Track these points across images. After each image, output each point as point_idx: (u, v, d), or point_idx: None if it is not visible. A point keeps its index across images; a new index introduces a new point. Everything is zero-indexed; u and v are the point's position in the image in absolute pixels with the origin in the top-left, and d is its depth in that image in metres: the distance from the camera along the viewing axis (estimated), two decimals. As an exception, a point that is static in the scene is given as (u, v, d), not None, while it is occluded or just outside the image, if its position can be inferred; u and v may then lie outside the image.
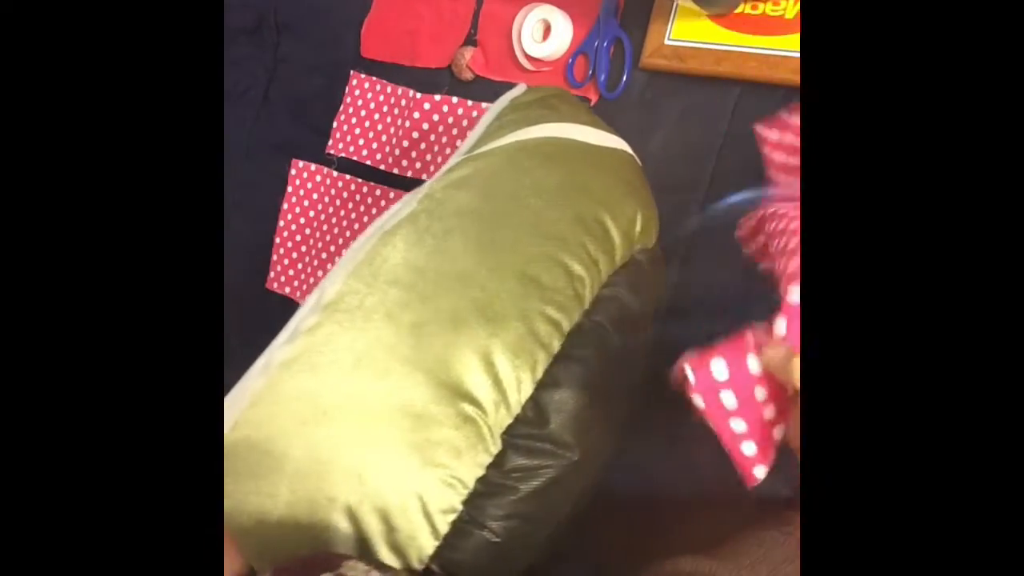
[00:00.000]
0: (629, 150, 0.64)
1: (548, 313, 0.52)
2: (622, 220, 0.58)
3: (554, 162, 0.57)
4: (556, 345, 0.52)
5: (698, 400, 0.40)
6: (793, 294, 0.37)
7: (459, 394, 0.48)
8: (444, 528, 0.48)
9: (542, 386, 0.51)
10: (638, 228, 0.60)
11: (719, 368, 0.39)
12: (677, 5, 0.69)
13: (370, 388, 0.48)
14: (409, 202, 0.55)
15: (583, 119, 0.62)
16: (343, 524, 0.46)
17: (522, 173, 0.56)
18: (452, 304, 0.50)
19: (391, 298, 0.50)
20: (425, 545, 0.47)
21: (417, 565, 0.47)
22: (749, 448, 0.40)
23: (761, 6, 0.64)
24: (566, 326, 0.54)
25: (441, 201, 0.54)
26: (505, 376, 0.50)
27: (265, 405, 0.48)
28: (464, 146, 0.58)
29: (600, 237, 0.57)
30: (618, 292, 0.58)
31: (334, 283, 0.52)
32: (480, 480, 0.49)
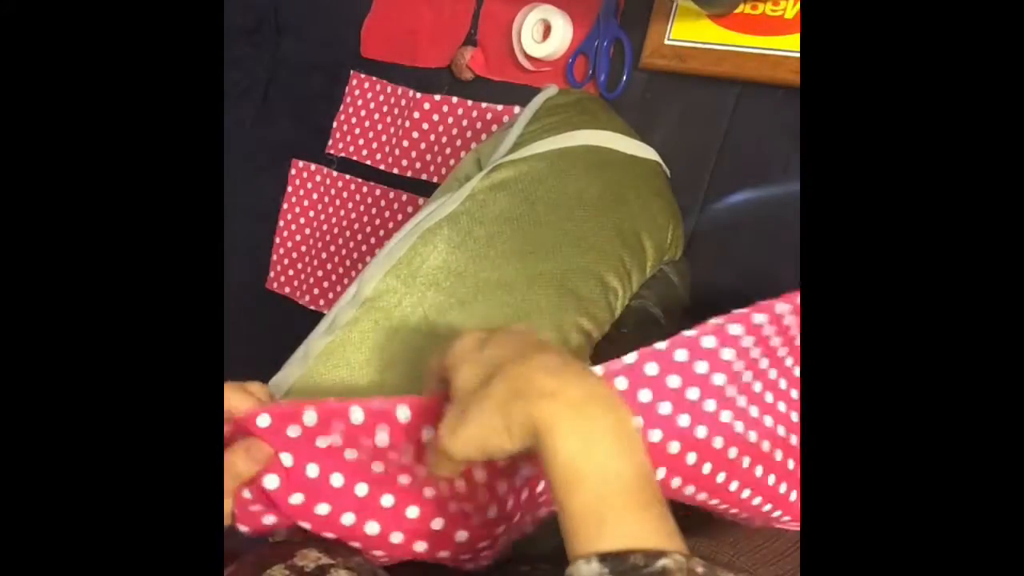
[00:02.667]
0: (658, 159, 0.65)
1: (581, 324, 0.54)
2: (656, 233, 0.60)
3: (595, 173, 0.58)
4: (586, 356, 0.53)
5: None
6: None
7: None
8: None
9: None
10: (668, 241, 0.62)
11: None
12: (677, 5, 0.69)
13: (399, 391, 0.49)
14: (450, 200, 0.56)
15: (618, 127, 0.63)
16: None
17: (565, 182, 0.56)
18: (489, 312, 0.52)
19: (429, 301, 0.52)
20: None
21: None
22: None
23: (761, 6, 0.64)
24: (596, 336, 0.55)
25: (483, 203, 0.55)
26: None
27: (302, 396, 0.50)
28: (503, 146, 0.59)
29: (636, 250, 0.58)
30: (645, 303, 0.60)
31: (373, 277, 0.53)
32: None
